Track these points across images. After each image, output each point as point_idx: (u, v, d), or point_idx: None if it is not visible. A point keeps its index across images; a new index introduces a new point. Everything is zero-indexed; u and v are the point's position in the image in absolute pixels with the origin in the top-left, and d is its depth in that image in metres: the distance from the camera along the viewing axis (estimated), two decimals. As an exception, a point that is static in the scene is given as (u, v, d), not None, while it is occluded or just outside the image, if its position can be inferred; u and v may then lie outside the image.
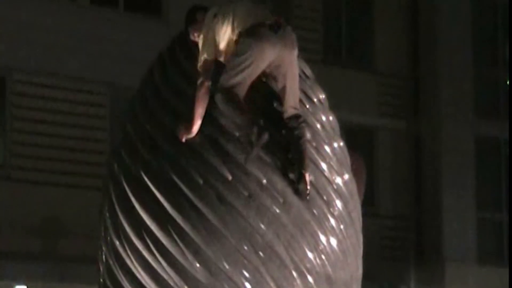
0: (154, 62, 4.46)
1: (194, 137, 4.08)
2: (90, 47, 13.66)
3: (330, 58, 16.18)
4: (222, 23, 4.16)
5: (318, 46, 15.84)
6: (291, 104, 4.21)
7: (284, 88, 4.21)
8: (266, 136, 4.03)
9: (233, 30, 4.14)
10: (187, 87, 4.20)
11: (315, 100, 4.47)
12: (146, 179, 4.04)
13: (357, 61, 16.97)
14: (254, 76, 4.16)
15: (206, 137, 4.09)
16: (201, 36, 4.23)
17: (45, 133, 13.43)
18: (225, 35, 4.16)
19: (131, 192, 4.08)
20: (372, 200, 15.89)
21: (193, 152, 4.07)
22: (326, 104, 4.60)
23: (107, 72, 13.68)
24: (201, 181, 4.01)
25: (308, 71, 4.59)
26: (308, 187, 4.09)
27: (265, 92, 4.28)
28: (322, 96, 4.57)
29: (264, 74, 4.25)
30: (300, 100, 4.33)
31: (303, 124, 4.19)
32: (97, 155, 12.88)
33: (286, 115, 4.20)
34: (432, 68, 16.85)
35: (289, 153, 4.15)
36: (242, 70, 4.08)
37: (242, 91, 4.13)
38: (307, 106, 4.39)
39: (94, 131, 13.80)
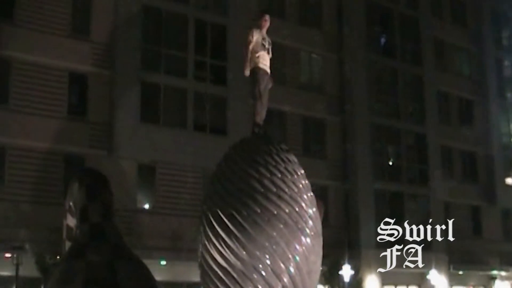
0: (230, 149, 9.63)
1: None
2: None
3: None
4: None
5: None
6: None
7: None
8: None
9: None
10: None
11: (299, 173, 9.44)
12: (221, 214, 8.99)
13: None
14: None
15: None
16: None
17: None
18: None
19: (214, 220, 9.03)
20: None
21: (244, 200, 9.03)
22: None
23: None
24: (246, 214, 8.94)
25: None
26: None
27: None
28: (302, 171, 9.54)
29: None
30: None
31: None
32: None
33: None
34: None
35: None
36: None
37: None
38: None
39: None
